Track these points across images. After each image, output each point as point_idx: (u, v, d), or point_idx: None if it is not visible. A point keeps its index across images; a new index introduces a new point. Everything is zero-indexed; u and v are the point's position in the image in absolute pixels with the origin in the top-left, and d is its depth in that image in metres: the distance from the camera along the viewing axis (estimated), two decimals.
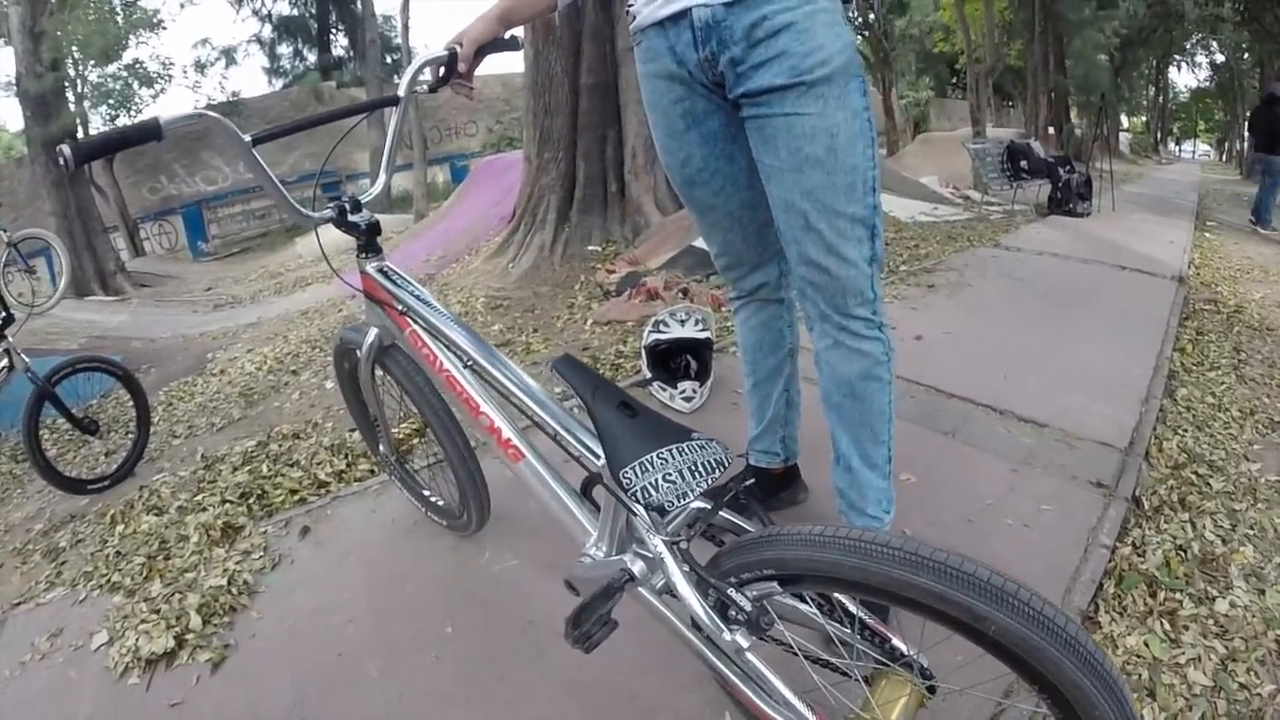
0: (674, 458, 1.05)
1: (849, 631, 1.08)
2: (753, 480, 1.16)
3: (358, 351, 1.82)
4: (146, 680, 1.76)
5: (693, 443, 1.08)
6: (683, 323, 2.89)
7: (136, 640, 1.85)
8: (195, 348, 6.15)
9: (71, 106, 15.61)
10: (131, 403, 3.40)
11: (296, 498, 2.54)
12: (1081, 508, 2.18)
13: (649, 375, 2.93)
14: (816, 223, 1.47)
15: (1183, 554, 2.04)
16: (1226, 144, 41.80)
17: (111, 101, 18.33)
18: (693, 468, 1.05)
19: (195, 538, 2.30)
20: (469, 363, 1.41)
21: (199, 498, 2.61)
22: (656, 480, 1.03)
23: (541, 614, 1.79)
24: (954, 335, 3.68)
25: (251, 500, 2.52)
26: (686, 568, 1.09)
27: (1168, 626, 1.77)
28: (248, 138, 1.35)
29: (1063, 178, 8.78)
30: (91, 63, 17.25)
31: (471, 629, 1.80)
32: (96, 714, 1.70)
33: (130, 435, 3.39)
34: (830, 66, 1.39)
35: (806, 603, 1.10)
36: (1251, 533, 2.17)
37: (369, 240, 1.60)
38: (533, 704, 1.58)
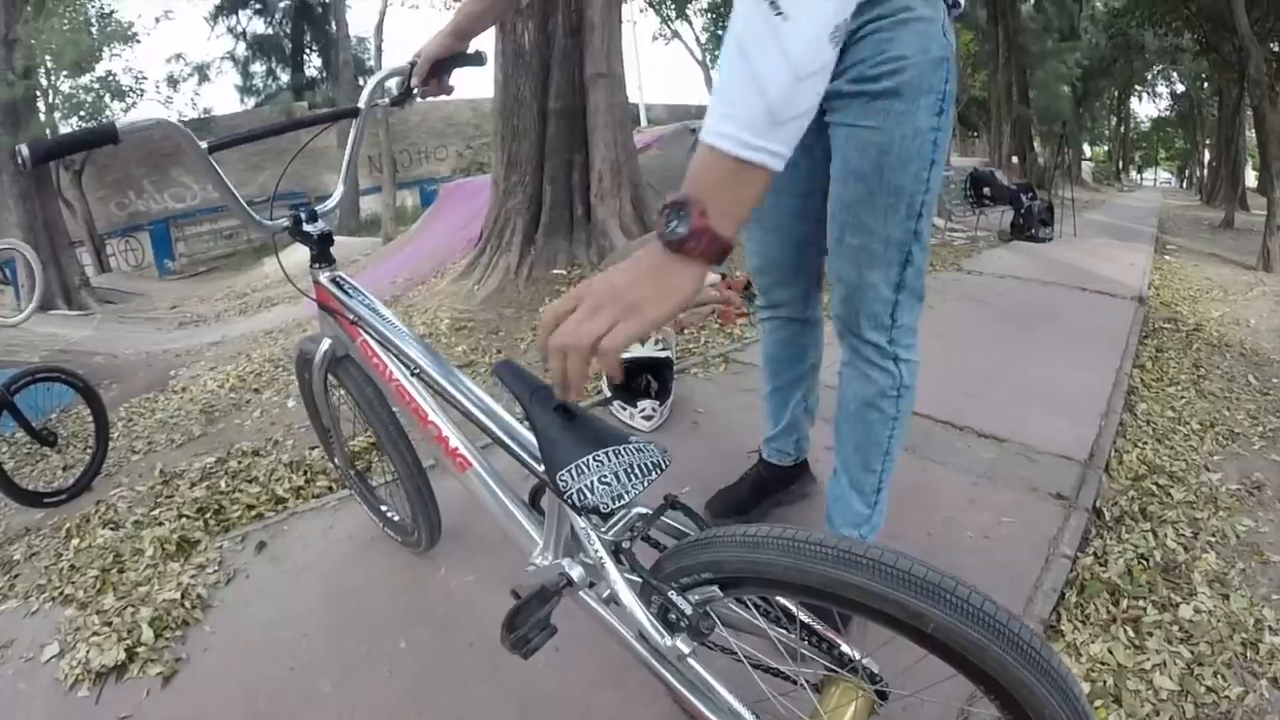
0: (610, 460, 1.04)
1: (794, 638, 1.07)
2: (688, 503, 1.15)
3: (314, 361, 1.80)
4: (96, 693, 1.72)
5: (630, 445, 1.07)
6: (643, 342, 2.89)
7: (87, 653, 1.81)
8: (158, 364, 6.04)
9: (41, 117, 15.41)
10: (91, 417, 3.33)
11: (254, 513, 2.50)
12: (1042, 519, 2.19)
13: (609, 394, 2.92)
14: (850, 237, 1.46)
15: (1145, 562, 2.06)
16: (1187, 171, 42.79)
17: (83, 113, 18.03)
18: (629, 470, 1.04)
19: (150, 552, 2.26)
20: (416, 370, 1.40)
21: (155, 512, 2.56)
22: (592, 483, 1.01)
23: (496, 630, 1.76)
24: None
25: (208, 515, 2.49)
26: (628, 572, 1.08)
27: (1132, 633, 1.79)
28: (204, 144, 1.36)
29: (1025, 204, 8.93)
30: (64, 73, 17.02)
31: (425, 644, 1.77)
32: None
33: (89, 450, 3.31)
34: (899, 79, 1.32)
35: (751, 609, 1.10)
36: (1213, 540, 2.21)
37: (322, 250, 1.61)
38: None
